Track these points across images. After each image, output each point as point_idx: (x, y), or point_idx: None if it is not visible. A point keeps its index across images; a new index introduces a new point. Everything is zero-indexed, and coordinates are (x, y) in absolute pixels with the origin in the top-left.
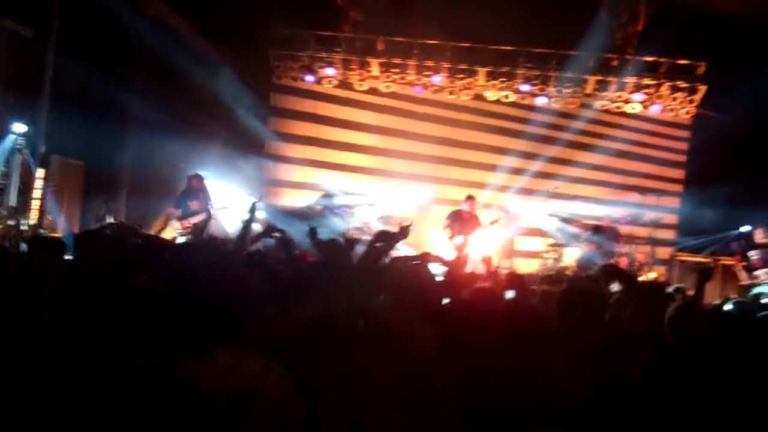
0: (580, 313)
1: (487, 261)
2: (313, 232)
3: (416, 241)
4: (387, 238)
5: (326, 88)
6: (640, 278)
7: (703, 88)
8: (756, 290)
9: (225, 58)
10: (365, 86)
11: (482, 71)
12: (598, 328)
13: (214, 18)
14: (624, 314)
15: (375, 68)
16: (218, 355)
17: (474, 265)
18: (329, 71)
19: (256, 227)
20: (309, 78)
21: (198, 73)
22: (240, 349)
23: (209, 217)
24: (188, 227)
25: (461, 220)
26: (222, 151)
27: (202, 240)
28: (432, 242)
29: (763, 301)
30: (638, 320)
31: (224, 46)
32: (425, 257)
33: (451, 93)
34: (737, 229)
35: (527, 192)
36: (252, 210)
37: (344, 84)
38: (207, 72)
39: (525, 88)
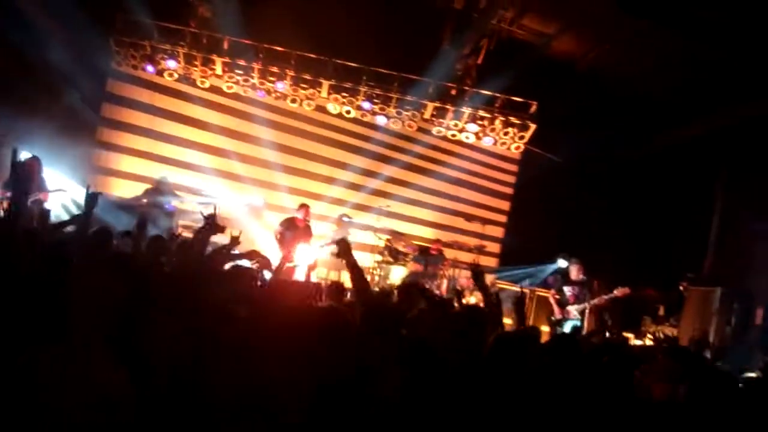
0: (378, 326)
1: (310, 269)
2: (141, 225)
3: (246, 246)
4: (204, 233)
5: (166, 80)
6: (464, 301)
7: (533, 126)
8: (566, 325)
9: (64, 33)
10: (207, 84)
11: (326, 84)
12: (395, 341)
13: None
14: (423, 330)
15: (218, 67)
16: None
17: (301, 273)
18: (171, 64)
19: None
20: (149, 68)
21: (30, 42)
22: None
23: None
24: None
25: (294, 228)
26: (48, 131)
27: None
28: (262, 247)
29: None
30: (438, 336)
31: (64, 21)
32: (252, 255)
33: (293, 101)
34: (555, 262)
35: (361, 208)
36: (89, 199)
37: (185, 79)
38: (40, 43)
39: (366, 105)
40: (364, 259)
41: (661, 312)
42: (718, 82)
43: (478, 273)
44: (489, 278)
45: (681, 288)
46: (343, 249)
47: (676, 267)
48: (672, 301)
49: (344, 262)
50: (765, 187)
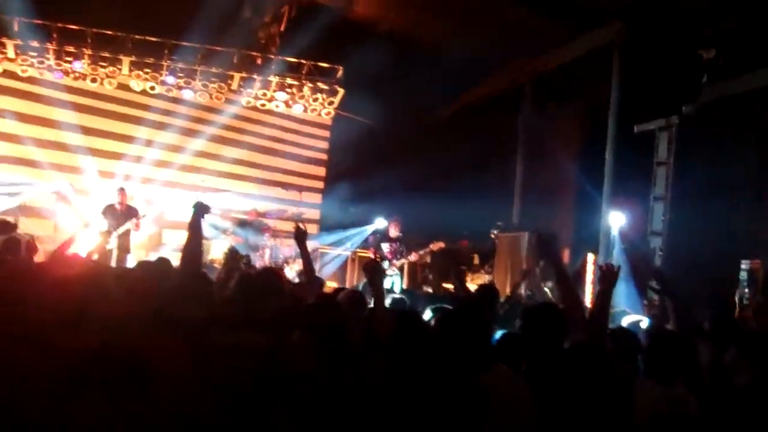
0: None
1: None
2: None
3: (59, 235)
4: None
5: None
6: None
7: (341, 91)
8: (386, 280)
9: None
10: (0, 69)
11: (126, 60)
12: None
13: None
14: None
15: (10, 50)
16: None
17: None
18: None
19: None
20: None
21: None
22: None
23: None
24: None
25: (113, 214)
26: None
27: None
28: (78, 235)
29: (394, 292)
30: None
31: None
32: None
33: (93, 81)
34: (372, 223)
35: (173, 185)
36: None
37: None
38: None
39: (170, 80)
40: (181, 237)
41: (476, 261)
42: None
43: (300, 235)
44: (312, 244)
45: (492, 236)
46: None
47: (488, 218)
48: (485, 250)
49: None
50: (563, 134)
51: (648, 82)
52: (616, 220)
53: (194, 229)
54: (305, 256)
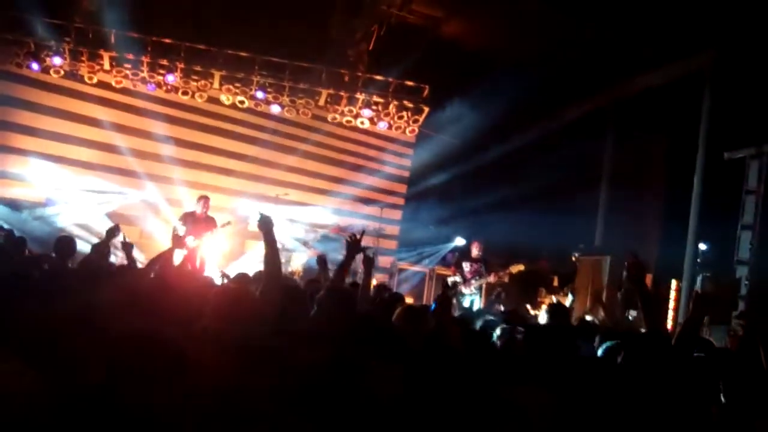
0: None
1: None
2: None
3: (144, 241)
4: None
5: (53, 78)
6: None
7: (426, 109)
8: (465, 299)
9: None
10: (95, 80)
11: (217, 74)
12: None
13: None
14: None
15: (106, 62)
16: None
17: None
18: (57, 60)
19: None
20: (34, 66)
21: None
22: None
23: None
24: None
25: (194, 221)
26: None
27: None
28: (163, 243)
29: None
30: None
31: None
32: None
33: (185, 93)
34: (452, 241)
35: (260, 197)
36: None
37: (73, 75)
38: None
39: (260, 95)
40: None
41: (555, 283)
42: (598, 60)
43: (353, 243)
44: (389, 260)
45: (573, 259)
46: (266, 224)
47: (570, 241)
48: (565, 272)
49: (264, 237)
50: (649, 159)
51: (738, 109)
52: (701, 247)
53: (268, 242)
54: (347, 263)
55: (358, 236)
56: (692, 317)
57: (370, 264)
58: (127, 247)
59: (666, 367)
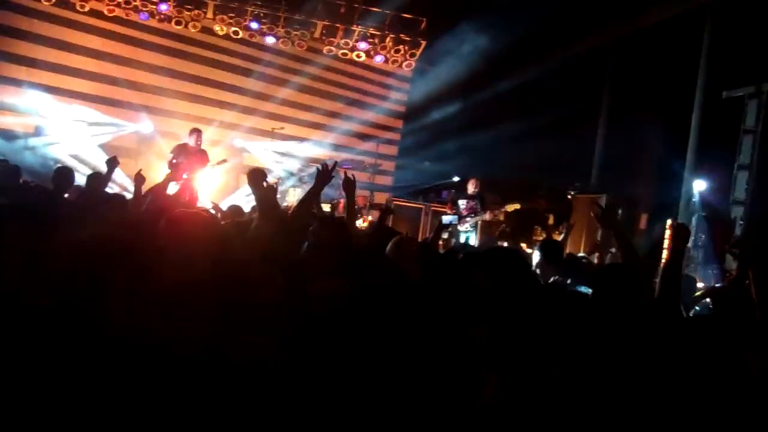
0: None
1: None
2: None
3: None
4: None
5: (44, 5)
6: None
7: (423, 43)
8: (460, 236)
9: None
10: (87, 8)
11: (211, 4)
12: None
13: None
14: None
15: None
16: None
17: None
18: None
19: None
20: None
21: None
22: None
23: None
24: None
25: (186, 154)
26: None
27: None
28: (157, 176)
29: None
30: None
31: None
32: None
33: (178, 23)
34: (449, 178)
35: (254, 131)
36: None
37: (64, 3)
38: None
39: (254, 25)
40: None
41: (551, 221)
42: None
43: (349, 183)
44: (385, 196)
45: (569, 197)
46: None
47: (566, 177)
48: (561, 210)
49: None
50: (646, 98)
51: (739, 48)
52: (698, 186)
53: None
54: (350, 203)
55: (351, 176)
56: (673, 249)
57: (351, 187)
58: (138, 179)
59: (636, 299)
